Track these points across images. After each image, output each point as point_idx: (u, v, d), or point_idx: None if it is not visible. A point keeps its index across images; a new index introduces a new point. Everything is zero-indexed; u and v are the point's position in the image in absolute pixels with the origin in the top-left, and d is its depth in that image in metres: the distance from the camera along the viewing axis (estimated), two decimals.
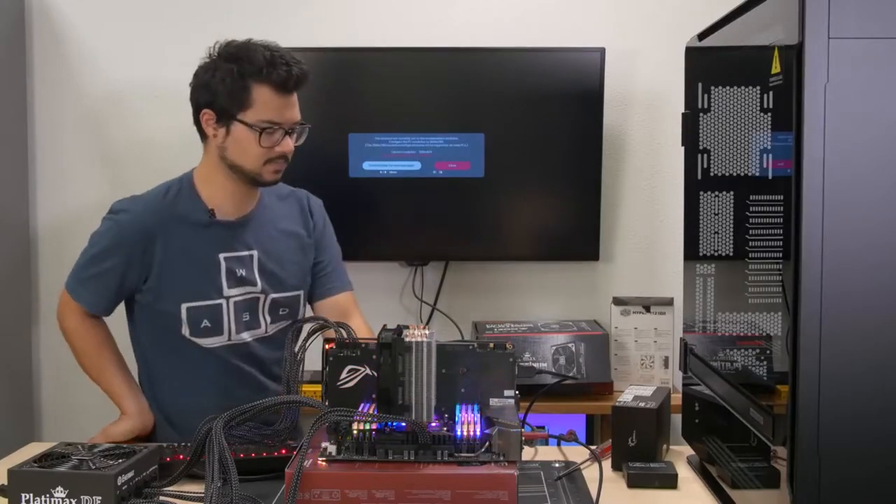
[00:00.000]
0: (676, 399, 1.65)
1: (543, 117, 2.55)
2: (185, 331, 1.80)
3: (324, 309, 1.95)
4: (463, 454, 1.22)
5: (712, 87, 1.43)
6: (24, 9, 2.61)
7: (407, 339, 1.27)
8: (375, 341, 1.29)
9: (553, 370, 2.36)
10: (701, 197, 1.48)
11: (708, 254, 1.45)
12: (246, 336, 1.84)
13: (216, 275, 1.79)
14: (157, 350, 1.85)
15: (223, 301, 1.80)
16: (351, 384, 1.32)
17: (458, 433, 1.24)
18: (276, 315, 1.88)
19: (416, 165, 2.57)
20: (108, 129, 2.67)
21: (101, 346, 1.85)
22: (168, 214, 1.78)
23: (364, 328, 1.94)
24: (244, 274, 1.82)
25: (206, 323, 1.79)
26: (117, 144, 2.67)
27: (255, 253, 1.83)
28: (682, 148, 1.58)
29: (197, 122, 1.80)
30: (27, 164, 2.65)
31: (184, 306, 1.78)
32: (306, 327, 1.63)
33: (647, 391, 1.60)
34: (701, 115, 1.48)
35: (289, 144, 1.78)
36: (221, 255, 1.80)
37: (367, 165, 2.58)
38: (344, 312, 1.95)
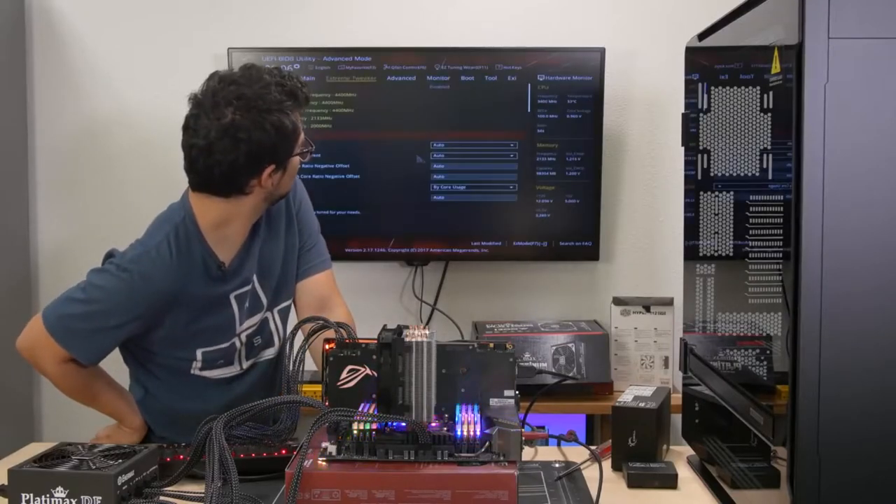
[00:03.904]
0: (676, 399, 1.65)
1: (543, 117, 2.55)
2: (196, 367, 1.75)
3: (304, 290, 1.86)
4: (463, 454, 1.22)
5: (712, 87, 1.43)
6: (24, 9, 2.61)
7: (407, 339, 1.27)
8: (375, 341, 1.29)
9: (553, 370, 2.36)
10: (701, 197, 1.48)
11: (708, 254, 1.45)
12: (259, 359, 1.81)
13: (231, 317, 1.73)
14: (160, 381, 1.79)
15: (236, 339, 1.75)
16: (351, 384, 1.32)
17: (458, 433, 1.24)
18: (285, 318, 1.85)
19: (416, 165, 2.57)
20: (107, 129, 2.67)
21: (91, 379, 1.74)
22: (183, 275, 1.66)
23: (345, 312, 1.88)
24: (249, 304, 1.76)
25: (220, 361, 1.76)
26: (117, 144, 2.67)
27: (254, 279, 1.76)
28: (682, 148, 1.58)
29: (242, 183, 1.64)
30: (27, 162, 2.65)
31: (199, 351, 1.73)
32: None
33: (647, 391, 1.60)
34: (701, 115, 1.48)
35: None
36: (232, 296, 1.73)
37: (367, 165, 2.58)
38: (323, 296, 1.87)
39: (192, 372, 1.74)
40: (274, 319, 1.82)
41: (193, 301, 1.68)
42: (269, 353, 1.82)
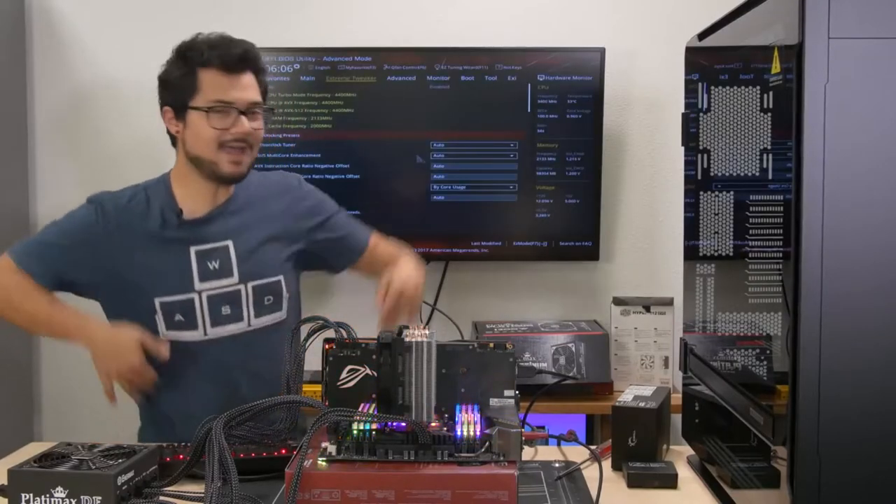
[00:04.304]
0: (676, 399, 1.65)
1: (543, 117, 2.55)
2: (161, 326, 1.79)
3: (365, 261, 2.00)
4: (463, 454, 1.22)
5: (712, 87, 1.43)
6: (24, 9, 2.61)
7: (407, 339, 1.27)
8: (375, 341, 1.29)
9: (553, 370, 2.36)
10: (701, 197, 1.48)
11: (708, 254, 1.45)
12: (225, 331, 1.83)
13: (186, 268, 1.80)
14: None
15: (195, 295, 1.80)
16: (351, 384, 1.32)
17: (458, 433, 1.24)
18: (262, 306, 1.86)
19: (416, 165, 2.57)
20: (107, 128, 2.68)
21: (42, 294, 1.79)
22: (133, 218, 1.82)
23: (392, 250, 2.01)
24: (218, 266, 1.82)
25: (178, 317, 1.80)
26: (117, 143, 2.67)
27: (229, 243, 1.83)
28: (682, 148, 1.58)
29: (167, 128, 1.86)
30: (27, 163, 2.65)
31: (157, 301, 1.79)
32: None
33: (647, 391, 1.60)
34: (701, 115, 1.48)
35: (244, 125, 1.78)
36: (192, 249, 1.81)
37: (367, 165, 2.58)
38: (379, 253, 2.01)
39: (158, 331, 1.78)
40: (247, 293, 1.84)
41: (145, 241, 1.80)
42: (238, 328, 1.84)
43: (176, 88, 1.81)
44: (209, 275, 1.81)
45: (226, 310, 1.82)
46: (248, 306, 1.85)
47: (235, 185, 1.87)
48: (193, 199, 1.84)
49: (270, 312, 1.88)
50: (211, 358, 1.83)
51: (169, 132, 1.86)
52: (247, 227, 1.87)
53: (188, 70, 1.79)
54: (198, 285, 1.80)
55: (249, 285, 1.85)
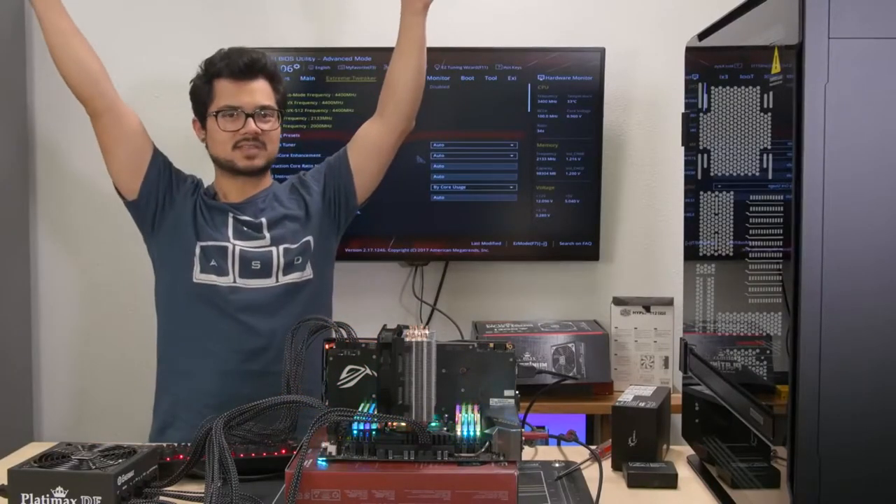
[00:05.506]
0: (676, 399, 1.65)
1: (543, 117, 2.55)
2: (196, 269, 1.94)
3: (359, 146, 2.15)
4: (463, 454, 1.22)
5: (712, 87, 1.44)
6: (24, 9, 2.61)
7: (407, 339, 1.27)
8: (375, 341, 1.29)
9: (553, 370, 2.36)
10: (701, 197, 1.48)
11: (708, 254, 1.46)
12: (252, 283, 1.95)
13: (223, 225, 1.98)
14: (170, 304, 2.00)
15: (229, 244, 1.96)
16: (351, 384, 1.32)
17: (458, 433, 1.24)
18: (292, 265, 1.99)
19: (416, 165, 2.57)
20: None
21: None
22: (195, 186, 2.05)
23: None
24: (251, 231, 1.98)
25: (213, 262, 1.95)
26: None
27: (263, 220, 1.99)
28: (682, 148, 1.58)
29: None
30: (28, 164, 2.65)
31: (199, 245, 1.95)
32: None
33: (647, 391, 1.60)
34: (701, 115, 1.48)
35: (251, 125, 1.94)
36: (230, 215, 1.99)
37: None
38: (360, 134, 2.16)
39: (192, 278, 1.94)
40: (278, 255, 1.98)
41: (196, 202, 2.00)
42: (266, 283, 1.97)
43: (198, 100, 2.00)
44: (243, 235, 1.98)
45: (255, 265, 1.96)
46: (277, 266, 1.98)
47: (263, 190, 2.04)
48: (225, 196, 2.04)
49: (297, 270, 2.00)
50: (236, 302, 1.94)
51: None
52: (275, 212, 2.02)
53: (206, 82, 1.98)
54: (232, 240, 1.97)
55: (280, 247, 1.98)
